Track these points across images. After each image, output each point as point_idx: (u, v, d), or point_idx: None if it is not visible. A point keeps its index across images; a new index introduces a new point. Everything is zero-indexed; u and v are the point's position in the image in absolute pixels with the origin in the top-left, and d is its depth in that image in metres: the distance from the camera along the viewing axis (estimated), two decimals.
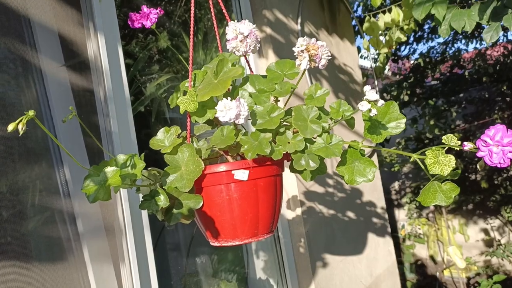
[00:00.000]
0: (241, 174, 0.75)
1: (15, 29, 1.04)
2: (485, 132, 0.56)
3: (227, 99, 0.70)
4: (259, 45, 0.82)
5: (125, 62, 1.26)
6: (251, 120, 0.78)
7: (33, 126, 1.05)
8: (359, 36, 3.65)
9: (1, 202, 0.93)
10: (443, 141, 0.67)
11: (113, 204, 1.14)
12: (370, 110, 0.66)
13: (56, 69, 1.10)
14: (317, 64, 0.73)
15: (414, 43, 4.73)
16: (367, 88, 0.65)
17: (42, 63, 1.08)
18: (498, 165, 0.56)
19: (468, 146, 0.61)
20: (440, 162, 0.67)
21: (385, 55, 3.02)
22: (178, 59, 1.79)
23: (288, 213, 1.80)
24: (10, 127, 0.55)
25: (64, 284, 1.01)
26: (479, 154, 0.58)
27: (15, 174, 0.98)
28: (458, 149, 0.65)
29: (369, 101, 0.65)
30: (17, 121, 0.55)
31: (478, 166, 0.62)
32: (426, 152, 0.68)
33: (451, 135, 0.67)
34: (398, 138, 5.08)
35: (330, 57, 0.73)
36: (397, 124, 0.75)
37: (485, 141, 0.56)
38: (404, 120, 0.74)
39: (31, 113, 0.55)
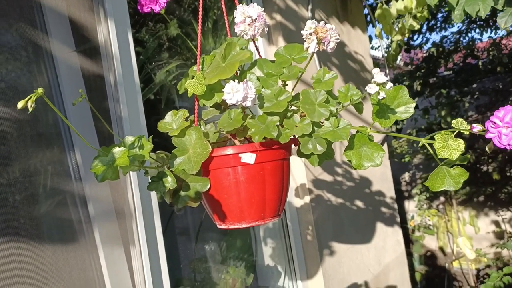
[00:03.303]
0: (248, 157, 0.76)
1: (27, 15, 1.05)
2: (495, 114, 0.56)
3: (234, 81, 0.70)
4: (267, 29, 0.82)
5: (135, 50, 1.27)
6: (258, 104, 0.78)
7: (44, 110, 1.07)
8: (370, 25, 3.61)
9: (15, 185, 0.95)
10: (452, 125, 0.67)
11: (123, 188, 1.16)
12: (378, 93, 0.66)
13: (67, 54, 1.11)
14: (325, 47, 0.72)
15: (427, 32, 4.65)
16: (375, 70, 0.65)
17: (53, 48, 1.09)
18: (508, 147, 0.56)
19: (477, 128, 0.60)
20: (449, 146, 0.66)
21: (397, 43, 2.98)
22: (187, 47, 1.79)
23: (296, 201, 1.80)
24: (20, 104, 0.56)
25: (76, 265, 1.03)
26: (488, 135, 0.58)
27: (28, 158, 1.00)
28: (467, 133, 0.65)
29: (378, 84, 0.65)
30: (26, 99, 0.56)
31: (487, 148, 0.61)
32: (435, 136, 0.68)
33: (461, 119, 0.67)
34: (409, 129, 5.04)
35: (338, 40, 0.73)
36: (406, 109, 0.74)
37: (495, 123, 0.56)
38: (414, 104, 0.74)
39: (40, 90, 0.55)
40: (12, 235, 0.93)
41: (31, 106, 0.56)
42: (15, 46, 1.02)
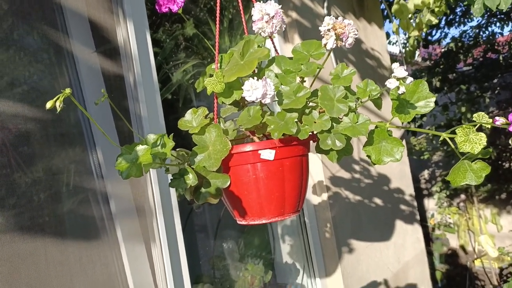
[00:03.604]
0: (268, 154, 0.76)
1: (48, 17, 1.08)
2: None
3: (253, 79, 0.71)
4: (285, 26, 0.82)
5: (153, 50, 1.29)
6: (277, 101, 0.79)
7: (67, 111, 1.10)
8: (387, 21, 3.57)
9: (39, 184, 0.98)
10: (474, 118, 0.66)
11: (144, 186, 1.18)
12: (398, 88, 0.65)
13: (87, 55, 1.14)
14: (343, 43, 0.72)
15: (446, 27, 4.57)
16: (395, 65, 0.64)
17: (74, 49, 1.12)
18: None
19: (500, 121, 0.60)
20: (471, 140, 0.66)
21: (415, 38, 2.94)
22: (204, 46, 1.81)
23: (314, 198, 1.80)
24: (48, 105, 0.57)
25: (99, 261, 1.05)
26: None
27: (52, 157, 1.03)
28: (489, 127, 0.64)
29: (398, 78, 0.65)
30: (54, 99, 0.58)
31: (510, 142, 0.60)
32: (456, 130, 0.67)
33: (482, 113, 0.66)
34: (428, 126, 4.96)
35: (357, 36, 0.72)
36: (426, 103, 0.74)
37: None
38: (434, 98, 0.73)
39: (67, 90, 0.57)
40: (37, 232, 0.96)
41: (59, 106, 0.58)
42: (37, 48, 1.05)
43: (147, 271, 1.15)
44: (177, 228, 1.23)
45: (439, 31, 4.67)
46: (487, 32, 4.62)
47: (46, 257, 0.95)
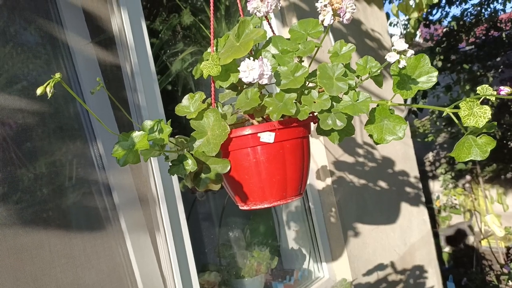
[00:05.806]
0: (267, 137, 0.75)
1: (42, 8, 1.06)
2: None
3: (249, 59, 0.69)
4: (280, 5, 0.80)
5: (150, 40, 1.27)
6: (275, 82, 0.77)
7: (66, 105, 1.09)
8: (387, 1, 3.51)
9: (41, 179, 0.98)
10: (477, 91, 0.64)
11: (146, 175, 1.17)
12: (398, 62, 0.63)
13: (83, 46, 1.12)
14: (341, 19, 0.70)
15: (446, 6, 4.49)
16: (395, 38, 0.62)
17: (69, 40, 1.10)
18: None
19: (505, 90, 0.58)
20: (475, 114, 0.64)
21: (416, 19, 2.89)
22: (202, 35, 1.78)
23: (318, 183, 1.79)
24: (39, 91, 0.56)
25: (104, 252, 1.05)
26: None
27: (53, 151, 1.02)
28: (493, 99, 0.62)
29: (398, 52, 0.63)
30: (45, 85, 0.56)
31: None
32: (460, 104, 0.65)
33: (486, 85, 0.64)
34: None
35: (355, 10, 0.70)
36: (428, 78, 0.72)
37: None
38: (436, 73, 0.71)
39: (57, 75, 0.56)
40: (41, 225, 0.95)
41: (49, 91, 0.56)
42: (32, 41, 1.04)
43: (153, 261, 1.15)
44: (181, 217, 1.22)
45: (439, 10, 4.60)
46: (489, 10, 4.54)
47: (50, 249, 0.95)
